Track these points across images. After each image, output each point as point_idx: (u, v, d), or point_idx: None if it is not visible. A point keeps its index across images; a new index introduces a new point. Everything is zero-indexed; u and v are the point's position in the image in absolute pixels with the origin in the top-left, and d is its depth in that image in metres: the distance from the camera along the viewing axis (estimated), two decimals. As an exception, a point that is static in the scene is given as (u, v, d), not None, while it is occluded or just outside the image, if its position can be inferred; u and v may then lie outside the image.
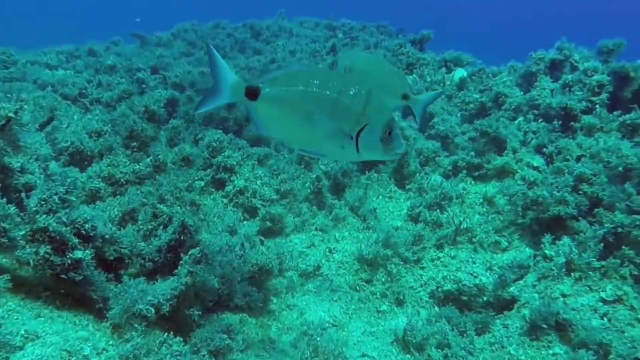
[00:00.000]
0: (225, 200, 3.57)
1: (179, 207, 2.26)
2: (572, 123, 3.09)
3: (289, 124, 1.58)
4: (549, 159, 3.04)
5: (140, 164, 2.83)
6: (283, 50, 7.73)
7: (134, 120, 2.98)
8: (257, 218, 3.33)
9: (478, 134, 3.33)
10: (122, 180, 2.68)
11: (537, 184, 2.79)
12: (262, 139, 4.24)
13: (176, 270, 1.99)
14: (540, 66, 4.14)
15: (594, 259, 2.08)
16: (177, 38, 8.38)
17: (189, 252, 1.99)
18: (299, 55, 7.04)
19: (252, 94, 1.57)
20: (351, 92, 1.52)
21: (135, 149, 2.96)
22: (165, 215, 2.30)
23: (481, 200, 3.16)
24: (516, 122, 3.34)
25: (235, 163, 3.65)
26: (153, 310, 1.87)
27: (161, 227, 2.29)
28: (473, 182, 3.35)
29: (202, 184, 3.70)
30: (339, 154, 1.62)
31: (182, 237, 2.14)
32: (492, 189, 3.19)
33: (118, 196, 2.59)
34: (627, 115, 3.00)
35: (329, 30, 10.09)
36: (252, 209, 3.40)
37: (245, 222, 3.37)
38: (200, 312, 2.04)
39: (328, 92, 1.53)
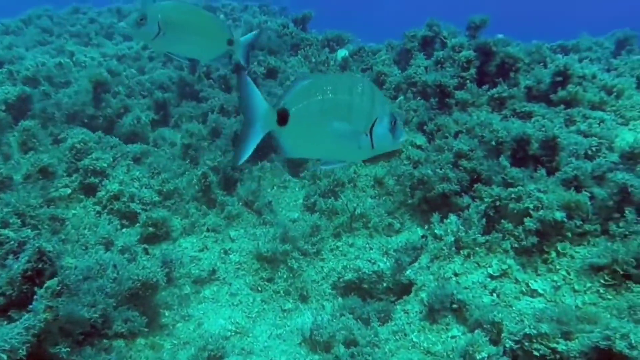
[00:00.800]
0: (98, 208, 3.17)
1: (29, 231, 1.89)
2: (447, 99, 3.21)
3: (314, 138, 1.53)
4: (430, 137, 3.13)
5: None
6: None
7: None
8: (138, 224, 3.00)
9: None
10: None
11: (422, 163, 2.84)
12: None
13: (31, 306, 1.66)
14: (413, 43, 4.25)
15: (479, 235, 2.17)
16: (29, 25, 7.27)
17: (45, 285, 1.66)
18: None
19: (283, 118, 1.48)
20: (359, 90, 1.51)
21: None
22: (12, 242, 1.92)
23: (372, 182, 3.16)
24: (397, 100, 3.39)
25: (106, 165, 3.24)
26: (5, 357, 1.54)
27: (11, 255, 1.93)
28: (362, 164, 3.35)
29: (69, 191, 3.24)
30: (356, 154, 1.59)
31: (40, 265, 1.80)
32: (381, 170, 3.21)
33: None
34: (494, 90, 3.19)
35: (208, 11, 9.54)
36: (131, 215, 3.05)
37: (124, 230, 3.02)
38: (69, 348, 1.73)
39: (341, 96, 1.51)
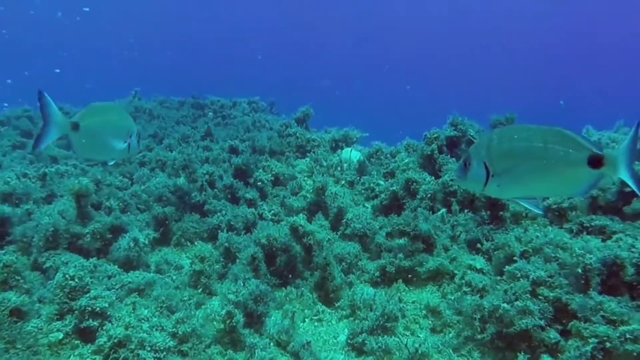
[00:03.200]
0: (98, 358, 2.55)
1: None
2: (502, 212, 2.89)
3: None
4: (486, 256, 2.75)
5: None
6: (145, 135, 6.80)
7: None
8: (151, 385, 2.39)
9: (398, 233, 2.94)
10: None
11: (488, 290, 2.43)
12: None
13: None
14: (433, 146, 4.04)
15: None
16: (7, 126, 6.87)
17: None
18: (168, 142, 6.20)
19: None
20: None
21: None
22: None
23: (424, 311, 2.71)
24: (439, 213, 3.05)
25: (107, 305, 2.67)
26: None
27: None
28: (406, 287, 2.91)
29: (61, 335, 2.63)
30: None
31: None
32: (431, 296, 2.78)
33: None
34: (551, 200, 2.90)
35: (196, 109, 9.43)
36: (142, 369, 2.45)
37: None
38: None
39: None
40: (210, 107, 9.65)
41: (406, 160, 3.94)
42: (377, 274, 3.00)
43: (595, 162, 1.64)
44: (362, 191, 4.10)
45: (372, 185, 3.97)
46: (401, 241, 2.98)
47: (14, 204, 3.69)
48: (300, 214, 3.13)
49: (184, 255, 3.81)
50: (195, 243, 3.96)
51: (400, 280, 2.89)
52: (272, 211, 3.99)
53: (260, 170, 4.34)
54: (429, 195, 3.26)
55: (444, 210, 3.04)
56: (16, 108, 7.21)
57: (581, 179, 1.68)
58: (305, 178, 4.71)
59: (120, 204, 3.84)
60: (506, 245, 2.59)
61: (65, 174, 4.52)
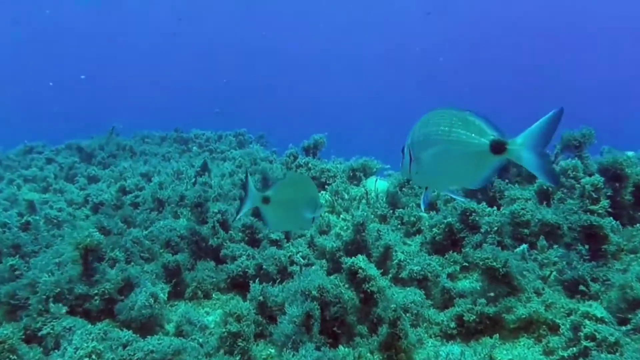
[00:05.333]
0: None
1: None
2: (606, 246, 2.48)
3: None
4: (588, 298, 2.32)
5: None
6: (132, 174, 6.18)
7: None
8: None
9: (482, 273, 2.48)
10: None
11: (620, 345, 1.98)
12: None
13: None
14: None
15: None
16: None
17: None
18: (159, 180, 5.60)
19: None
20: None
21: None
22: None
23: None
24: (519, 250, 2.62)
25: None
26: None
27: None
28: (494, 341, 2.42)
29: None
30: None
31: None
32: (529, 351, 2.30)
33: None
34: (651, 228, 2.54)
35: (180, 144, 8.85)
36: None
37: None
38: None
39: None
40: (195, 140, 9.09)
41: (452, 188, 3.52)
42: (452, 324, 2.51)
43: (498, 148, 1.56)
44: (399, 226, 3.64)
45: (412, 218, 3.52)
46: (479, 283, 2.51)
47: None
48: (360, 256, 2.63)
49: (202, 310, 3.22)
50: (213, 295, 3.41)
51: (482, 332, 2.41)
52: (300, 253, 3.47)
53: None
54: (495, 228, 2.83)
55: (525, 246, 2.61)
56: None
57: (483, 165, 1.61)
58: (327, 213, 4.22)
59: (124, 254, 3.23)
60: (627, 287, 2.16)
61: (53, 221, 3.87)
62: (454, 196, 2.12)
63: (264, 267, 3.19)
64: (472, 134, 1.59)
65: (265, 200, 2.30)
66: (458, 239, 3.03)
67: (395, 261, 2.99)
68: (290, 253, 3.43)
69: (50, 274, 2.62)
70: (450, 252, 2.99)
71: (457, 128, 1.62)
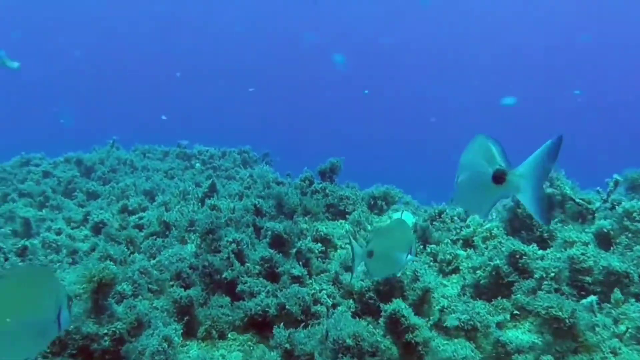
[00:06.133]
0: None
1: None
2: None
3: None
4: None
5: None
6: (135, 192, 5.87)
7: None
8: None
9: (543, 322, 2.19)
10: None
11: None
12: None
13: None
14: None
15: None
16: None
17: None
18: (163, 199, 5.29)
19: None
20: None
21: None
22: None
23: None
24: (587, 301, 2.34)
25: None
26: None
27: None
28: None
29: None
30: None
31: None
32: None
33: None
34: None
35: (182, 159, 8.55)
36: None
37: None
38: None
39: None
40: (198, 157, 8.80)
41: (488, 225, 3.26)
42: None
43: (498, 178, 1.54)
44: (432, 263, 3.35)
45: (447, 256, 3.24)
46: (541, 337, 2.22)
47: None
48: (396, 300, 2.35)
49: (217, 353, 2.89)
50: (229, 335, 3.08)
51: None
52: (324, 291, 3.17)
53: (308, 238, 3.52)
54: (552, 274, 2.55)
55: (594, 297, 2.33)
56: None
57: (489, 195, 1.59)
58: (347, 245, 3.93)
59: (133, 287, 2.91)
60: None
61: (52, 245, 3.54)
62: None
63: (287, 307, 2.88)
64: (484, 162, 1.58)
65: (370, 254, 2.31)
66: (506, 284, 2.75)
67: (436, 307, 2.70)
68: (313, 291, 3.13)
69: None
70: (499, 297, 2.70)
71: (478, 156, 1.62)
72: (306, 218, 4.12)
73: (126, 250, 3.43)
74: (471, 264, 2.98)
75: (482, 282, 2.79)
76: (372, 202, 4.48)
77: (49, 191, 5.76)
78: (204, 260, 3.33)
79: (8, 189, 5.70)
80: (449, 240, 3.37)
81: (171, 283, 3.17)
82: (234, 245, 3.53)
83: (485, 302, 2.70)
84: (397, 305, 2.38)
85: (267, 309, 2.94)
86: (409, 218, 3.89)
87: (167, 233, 4.46)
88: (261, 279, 3.27)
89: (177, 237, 4.34)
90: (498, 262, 2.74)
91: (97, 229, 4.52)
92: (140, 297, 2.95)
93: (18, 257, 3.17)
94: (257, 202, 4.40)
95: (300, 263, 3.42)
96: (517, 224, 3.25)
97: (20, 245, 3.22)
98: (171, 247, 4.08)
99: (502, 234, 3.18)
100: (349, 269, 3.46)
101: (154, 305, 2.88)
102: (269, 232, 3.78)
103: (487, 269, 2.77)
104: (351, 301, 3.07)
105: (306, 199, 4.38)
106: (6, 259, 3.04)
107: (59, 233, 4.44)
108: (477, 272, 2.83)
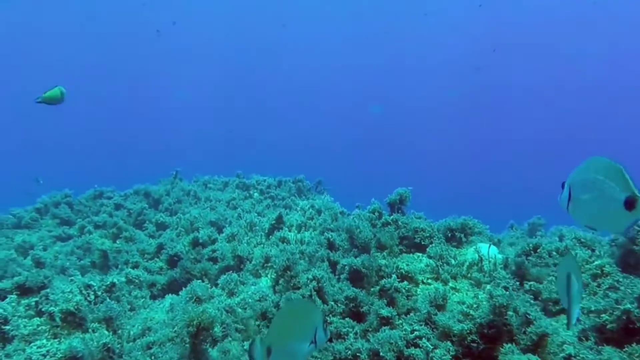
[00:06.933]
0: None
1: None
2: None
3: None
4: None
5: None
6: (204, 222, 5.93)
7: None
8: None
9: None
10: None
11: None
12: None
13: None
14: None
15: None
16: (46, 215, 6.03)
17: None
18: (231, 231, 5.30)
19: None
20: None
21: None
22: None
23: None
24: None
25: None
26: None
27: None
28: None
29: None
30: None
31: None
32: None
33: None
34: None
35: (242, 189, 8.65)
36: None
37: None
38: None
39: None
40: (257, 187, 8.89)
41: (597, 262, 2.98)
42: None
43: (630, 204, 1.66)
44: (532, 301, 3.09)
45: (553, 295, 2.98)
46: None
47: (83, 329, 2.70)
48: (512, 346, 2.14)
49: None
50: (317, 381, 2.95)
51: None
52: (417, 332, 2.98)
53: (393, 277, 3.37)
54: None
55: None
56: (55, 193, 6.42)
57: (622, 218, 1.70)
58: (429, 280, 3.74)
59: (222, 328, 2.85)
60: None
61: (135, 281, 3.57)
62: None
63: (380, 354, 2.71)
64: (618, 187, 1.69)
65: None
66: (637, 329, 2.47)
67: (560, 354, 2.45)
68: (404, 333, 2.95)
69: (152, 358, 2.26)
70: (632, 344, 2.42)
71: (610, 180, 1.72)
72: (384, 253, 3.97)
73: (208, 287, 3.40)
74: (587, 304, 2.72)
75: (608, 326, 2.52)
76: (450, 235, 4.27)
77: (121, 223, 5.92)
78: (287, 299, 3.24)
79: (84, 221, 5.91)
80: (553, 278, 3.12)
81: (257, 323, 3.09)
82: (314, 283, 3.44)
83: (616, 349, 2.43)
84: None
85: (358, 354, 2.80)
86: (494, 252, 3.66)
87: (241, 267, 4.44)
88: (347, 319, 3.14)
89: (251, 271, 4.31)
90: (629, 306, 2.47)
91: (172, 262, 4.57)
92: (229, 337, 2.89)
93: (106, 293, 3.20)
94: (330, 236, 4.31)
95: (386, 301, 3.26)
96: (633, 261, 2.95)
97: (108, 283, 3.25)
98: (247, 281, 4.05)
99: (616, 272, 2.90)
100: (440, 307, 3.26)
101: (244, 347, 2.80)
102: (347, 268, 3.67)
103: (616, 312, 2.51)
104: (449, 343, 2.87)
105: (379, 231, 4.23)
106: (96, 296, 3.07)
107: (136, 266, 4.51)
108: (603, 316, 2.56)
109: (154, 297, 4.04)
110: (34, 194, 6.56)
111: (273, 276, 4.01)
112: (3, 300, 3.02)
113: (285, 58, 35.18)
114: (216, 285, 4.09)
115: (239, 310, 3.22)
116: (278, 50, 34.46)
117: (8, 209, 5.87)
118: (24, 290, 3.03)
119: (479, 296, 3.42)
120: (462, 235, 4.30)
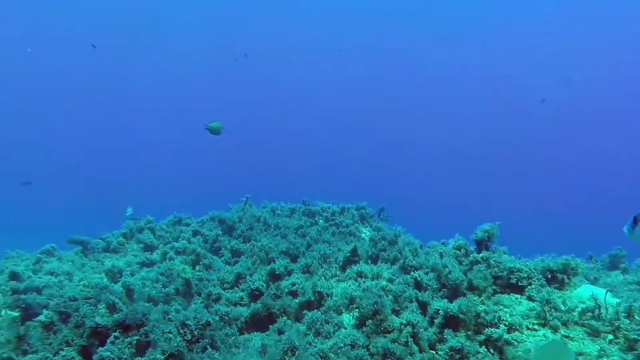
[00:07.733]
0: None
1: None
2: None
3: None
4: None
5: None
6: (277, 252, 5.92)
7: None
8: None
9: None
10: None
11: None
12: None
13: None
14: None
15: None
16: (131, 240, 6.28)
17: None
18: (305, 262, 5.23)
19: None
20: None
21: None
22: None
23: None
24: None
25: None
26: None
27: None
28: None
29: None
30: None
31: None
32: None
33: None
34: None
35: (308, 216, 8.65)
36: None
37: None
38: None
39: None
40: (322, 214, 8.86)
41: None
42: None
43: None
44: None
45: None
46: None
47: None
48: None
49: None
50: None
51: None
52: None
53: (501, 327, 3.14)
54: None
55: None
56: (139, 219, 6.69)
57: None
58: (536, 326, 3.45)
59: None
60: None
61: (225, 318, 3.57)
62: None
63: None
64: None
65: None
66: None
67: None
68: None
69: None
70: None
71: None
72: (482, 298, 3.73)
73: (304, 335, 3.32)
74: None
75: None
76: (550, 276, 3.96)
77: (199, 249, 6.05)
78: (381, 349, 3.09)
79: (166, 247, 6.09)
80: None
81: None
82: (409, 328, 3.27)
83: None
84: None
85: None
86: (610, 299, 3.32)
87: (322, 302, 4.34)
88: (449, 370, 2.94)
89: (333, 308, 4.20)
90: None
91: (254, 295, 4.55)
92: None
93: (200, 331, 3.21)
94: (417, 276, 4.13)
95: (491, 351, 3.03)
96: None
97: (203, 322, 3.25)
98: (331, 320, 3.94)
99: None
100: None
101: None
102: (441, 312, 3.47)
103: None
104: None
105: (471, 272, 4.00)
106: (192, 335, 3.08)
107: (218, 298, 4.54)
108: None
109: (239, 331, 4.02)
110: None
111: (356, 314, 3.88)
112: (100, 331, 3.09)
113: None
114: (297, 319, 4.03)
115: (332, 355, 3.11)
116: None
117: (97, 233, 6.18)
118: (124, 328, 3.09)
119: (604, 347, 3.07)
120: (565, 276, 3.98)
